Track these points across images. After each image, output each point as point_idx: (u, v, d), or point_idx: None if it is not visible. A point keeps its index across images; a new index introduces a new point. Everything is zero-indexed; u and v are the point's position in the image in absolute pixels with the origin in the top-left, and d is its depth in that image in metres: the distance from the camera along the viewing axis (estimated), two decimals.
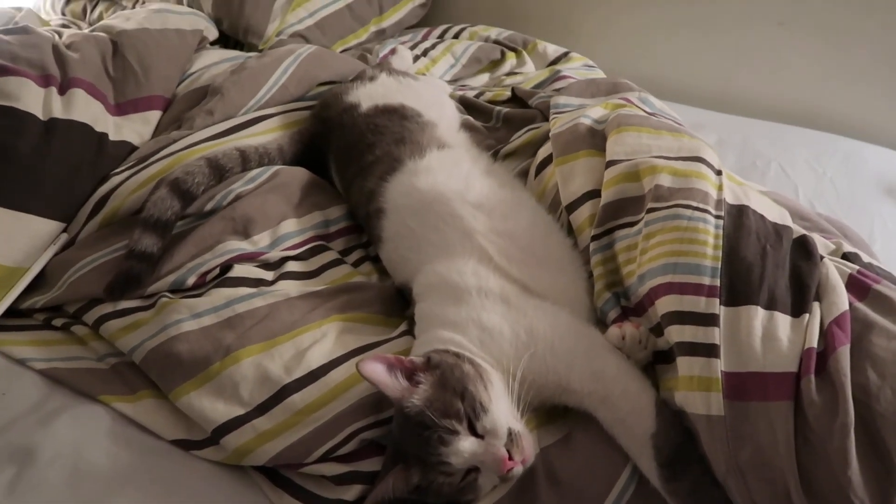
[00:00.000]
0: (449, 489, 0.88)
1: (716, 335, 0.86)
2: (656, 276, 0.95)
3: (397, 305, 1.21)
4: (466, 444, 0.87)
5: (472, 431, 0.88)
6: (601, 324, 1.05)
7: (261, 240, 1.25)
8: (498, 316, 1.00)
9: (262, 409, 0.99)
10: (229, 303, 1.12)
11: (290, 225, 1.29)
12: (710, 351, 0.85)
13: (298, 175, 1.37)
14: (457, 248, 1.11)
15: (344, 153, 1.38)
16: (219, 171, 1.29)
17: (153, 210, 1.19)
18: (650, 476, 0.88)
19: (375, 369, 0.91)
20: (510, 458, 0.86)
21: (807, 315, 0.87)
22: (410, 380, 0.93)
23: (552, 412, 1.01)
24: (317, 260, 1.27)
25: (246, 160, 1.33)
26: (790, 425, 0.79)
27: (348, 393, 1.00)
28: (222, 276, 1.17)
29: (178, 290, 1.17)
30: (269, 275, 1.21)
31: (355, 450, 0.97)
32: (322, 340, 1.08)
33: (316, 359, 1.04)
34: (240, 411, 0.99)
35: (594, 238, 1.09)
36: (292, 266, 1.23)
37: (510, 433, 0.88)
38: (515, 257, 1.09)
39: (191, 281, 1.16)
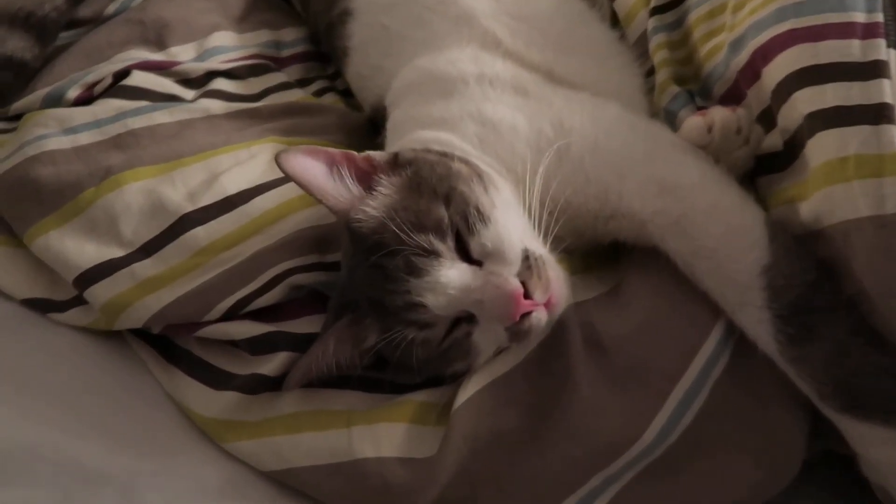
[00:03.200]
0: (424, 353, 0.53)
1: (884, 90, 0.50)
2: (766, 27, 0.59)
3: (366, 137, 0.85)
4: (453, 274, 0.52)
5: (464, 255, 0.53)
6: None
7: (181, 52, 0.90)
8: (508, 107, 0.65)
9: (148, 249, 0.66)
10: (120, 116, 0.78)
11: (224, 38, 0.94)
12: (876, 115, 0.50)
13: None
14: (449, 39, 0.76)
15: None
16: None
17: (25, 2, 0.83)
18: (759, 337, 0.53)
19: (305, 165, 0.56)
20: (526, 296, 0.51)
21: None
22: (365, 186, 0.58)
23: (589, 262, 0.65)
24: (258, 82, 0.91)
25: None
26: None
27: (277, 225, 0.66)
28: (116, 85, 0.82)
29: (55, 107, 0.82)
30: (187, 93, 0.86)
31: (282, 302, 0.63)
32: (248, 163, 0.74)
33: (235, 183, 0.70)
34: (116, 253, 0.66)
35: (655, 12, 0.73)
36: (221, 84, 0.88)
37: (527, 256, 0.53)
38: (536, 41, 0.73)
39: (72, 94, 0.82)
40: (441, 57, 0.73)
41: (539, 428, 0.52)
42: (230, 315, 0.62)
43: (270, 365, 0.59)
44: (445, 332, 0.53)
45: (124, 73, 0.83)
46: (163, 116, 0.79)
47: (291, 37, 1.01)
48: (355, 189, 0.57)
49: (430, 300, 0.51)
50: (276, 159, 0.56)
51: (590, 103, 0.65)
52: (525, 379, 0.54)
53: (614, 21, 0.82)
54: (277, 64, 0.97)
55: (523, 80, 0.68)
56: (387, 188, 0.56)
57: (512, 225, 0.54)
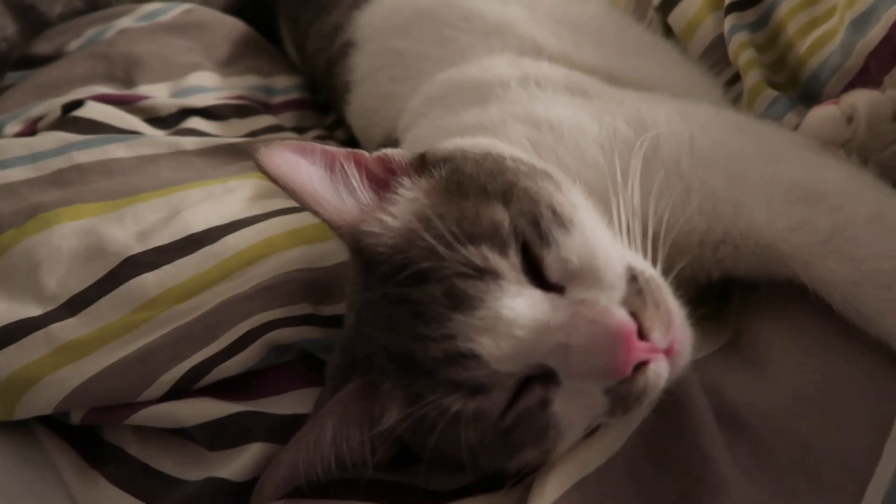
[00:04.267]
0: (477, 435, 0.34)
1: None
2: None
3: None
4: (521, 304, 0.33)
5: (535, 278, 0.35)
6: None
7: (152, 91, 0.75)
8: (566, 106, 0.49)
9: (74, 304, 0.48)
10: (65, 148, 0.63)
11: (204, 78, 0.80)
12: None
13: (228, 24, 0.90)
14: (477, 51, 0.62)
15: None
16: None
17: None
18: None
19: (294, 165, 0.39)
20: (641, 335, 0.32)
21: None
22: (381, 194, 0.41)
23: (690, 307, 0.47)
24: (243, 124, 0.77)
25: None
26: None
27: (255, 267, 0.49)
28: (65, 117, 0.67)
29: None
30: (156, 133, 0.71)
31: (257, 369, 0.43)
32: (221, 198, 0.57)
33: (202, 219, 0.54)
34: (32, 311, 0.49)
35: (731, 9, 0.59)
36: (197, 123, 0.73)
37: (634, 277, 0.35)
38: (587, 41, 0.59)
39: (10, 130, 0.68)
40: (469, 66, 0.59)
41: None
42: (181, 389, 0.42)
43: (237, 464, 0.39)
44: (509, 399, 0.34)
45: (76, 104, 0.68)
46: (119, 150, 0.63)
47: (284, 84, 0.88)
48: (365, 197, 0.40)
49: (487, 347, 0.33)
50: (255, 156, 0.39)
51: (672, 100, 0.50)
52: (632, 475, 0.35)
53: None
54: (267, 110, 0.83)
55: (579, 80, 0.53)
56: (412, 191, 0.39)
57: (602, 237, 0.36)
